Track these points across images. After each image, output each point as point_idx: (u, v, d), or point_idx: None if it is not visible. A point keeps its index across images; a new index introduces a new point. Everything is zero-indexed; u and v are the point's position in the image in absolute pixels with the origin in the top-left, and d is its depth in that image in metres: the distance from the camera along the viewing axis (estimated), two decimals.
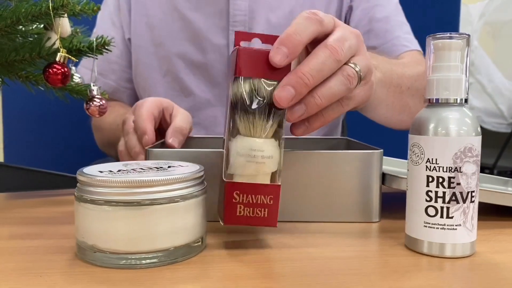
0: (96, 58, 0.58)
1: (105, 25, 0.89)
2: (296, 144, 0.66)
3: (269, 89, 0.39)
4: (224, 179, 0.39)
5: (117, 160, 0.85)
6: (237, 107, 0.39)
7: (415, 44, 0.85)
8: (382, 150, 0.50)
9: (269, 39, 0.42)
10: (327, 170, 0.49)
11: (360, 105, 0.51)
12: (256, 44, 0.43)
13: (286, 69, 0.40)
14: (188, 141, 0.67)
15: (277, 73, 0.40)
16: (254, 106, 0.39)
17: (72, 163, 0.95)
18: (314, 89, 0.42)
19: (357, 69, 0.44)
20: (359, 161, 0.49)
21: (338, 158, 0.49)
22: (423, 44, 1.17)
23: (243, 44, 0.42)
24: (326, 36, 0.43)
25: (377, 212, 0.50)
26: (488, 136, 3.08)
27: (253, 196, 0.39)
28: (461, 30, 2.79)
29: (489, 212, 0.52)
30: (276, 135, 0.40)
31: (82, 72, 0.87)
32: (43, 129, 1.09)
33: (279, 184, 0.40)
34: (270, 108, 0.39)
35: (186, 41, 0.83)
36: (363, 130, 1.01)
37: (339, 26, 0.45)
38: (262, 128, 0.39)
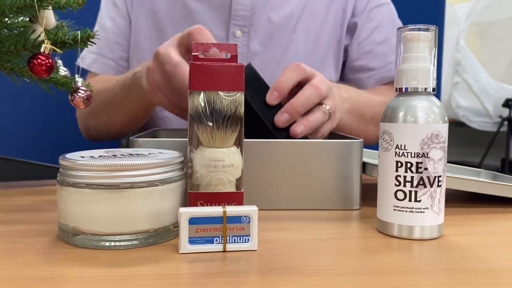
0: (82, 48, 0.59)
1: (107, 6, 0.90)
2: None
3: (227, 100, 0.41)
4: (188, 190, 0.41)
5: (106, 132, 0.86)
6: (196, 119, 0.41)
7: None
8: (362, 140, 0.52)
9: (226, 48, 0.43)
10: (309, 159, 0.51)
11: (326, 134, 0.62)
12: (214, 53, 0.44)
13: (240, 80, 0.41)
14: (174, 133, 0.69)
15: (231, 85, 0.41)
16: (211, 118, 0.40)
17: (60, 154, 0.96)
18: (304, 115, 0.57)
19: (327, 108, 0.59)
20: (339, 151, 0.51)
21: (320, 147, 0.51)
22: None
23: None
24: (307, 80, 0.58)
25: (357, 199, 0.52)
26: (474, 135, 3.14)
27: (217, 204, 0.40)
28: (448, 30, 2.83)
29: (459, 200, 0.55)
30: (237, 143, 0.42)
31: (88, 57, 0.88)
32: (31, 121, 1.10)
33: (242, 191, 0.42)
34: (228, 119, 0.41)
35: None
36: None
37: (317, 75, 0.59)
38: (222, 138, 0.41)
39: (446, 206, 0.42)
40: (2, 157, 0.64)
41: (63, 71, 0.62)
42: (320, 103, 0.58)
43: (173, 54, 0.59)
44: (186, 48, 0.61)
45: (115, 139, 0.87)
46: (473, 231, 0.44)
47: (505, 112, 2.89)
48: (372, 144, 0.77)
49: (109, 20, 0.89)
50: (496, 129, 2.93)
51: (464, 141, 3.30)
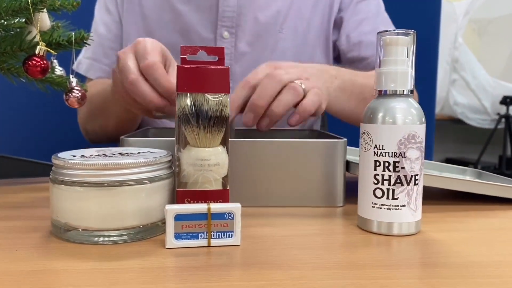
0: (76, 49, 0.61)
1: (100, 12, 0.92)
2: (270, 134, 0.69)
3: (213, 101, 0.42)
4: (176, 188, 0.43)
5: (103, 135, 0.88)
6: (183, 120, 0.43)
7: None
8: (346, 140, 0.54)
9: (214, 51, 0.45)
10: (294, 158, 0.52)
11: (318, 107, 0.61)
12: (202, 56, 0.46)
13: (225, 82, 0.43)
14: (165, 131, 0.71)
15: (217, 87, 0.43)
16: (197, 119, 0.42)
17: (55, 152, 0.98)
18: (271, 104, 0.58)
19: (299, 83, 0.59)
20: (324, 150, 0.53)
21: (305, 146, 0.53)
22: None
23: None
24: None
25: (341, 197, 0.53)
26: (471, 132, 3.15)
27: (203, 201, 0.42)
28: (446, 27, 2.84)
29: (442, 198, 0.56)
30: (223, 142, 0.44)
31: (83, 62, 0.90)
32: (26, 119, 1.11)
33: (228, 189, 0.44)
34: (214, 119, 0.43)
35: (175, 33, 0.86)
36: (342, 125, 1.04)
37: (280, 67, 0.61)
38: (208, 138, 0.43)
39: (428, 203, 0.44)
40: None
41: (59, 70, 0.64)
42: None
43: (131, 69, 0.58)
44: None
45: (113, 141, 0.88)
46: (450, 227, 0.46)
47: (503, 109, 2.91)
48: None
49: (102, 25, 0.91)
50: (493, 127, 2.95)
51: (462, 138, 3.32)
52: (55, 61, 0.63)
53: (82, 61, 0.90)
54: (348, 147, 0.56)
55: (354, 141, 0.81)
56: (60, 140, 1.09)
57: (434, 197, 0.57)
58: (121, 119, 0.80)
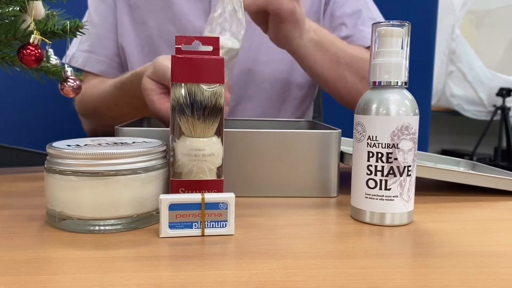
0: (71, 40, 0.61)
1: (94, 2, 0.91)
2: (264, 125, 0.69)
3: (208, 92, 0.42)
4: (170, 178, 0.43)
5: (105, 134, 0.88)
6: (177, 110, 0.43)
7: None
8: (340, 130, 0.54)
9: (209, 41, 0.45)
10: (289, 149, 0.53)
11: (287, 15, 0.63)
12: (197, 46, 0.46)
13: (220, 73, 0.43)
14: (158, 121, 0.71)
15: (211, 77, 0.43)
16: (192, 109, 0.42)
17: (51, 141, 0.98)
18: None
19: None
20: (318, 141, 0.53)
21: (299, 137, 0.53)
22: None
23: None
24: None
25: (335, 187, 0.54)
26: (468, 124, 3.16)
27: (198, 191, 0.43)
28: (443, 18, 2.83)
29: (436, 189, 0.57)
30: (217, 133, 0.44)
31: (79, 56, 0.89)
32: (23, 108, 1.11)
33: (222, 179, 0.44)
34: (209, 110, 0.43)
35: (168, 22, 0.85)
36: (338, 116, 1.05)
37: None
38: (202, 128, 0.43)
39: (422, 194, 0.44)
40: None
41: (54, 59, 0.63)
42: None
43: (151, 93, 0.62)
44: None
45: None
46: (442, 218, 0.47)
47: (499, 101, 2.92)
48: (353, 100, 0.77)
49: (97, 15, 0.90)
50: (489, 118, 2.96)
51: (458, 130, 3.33)
52: (50, 50, 0.63)
53: (77, 55, 0.89)
54: (342, 138, 0.56)
55: (349, 131, 0.81)
56: (54, 129, 1.09)
57: (428, 188, 0.57)
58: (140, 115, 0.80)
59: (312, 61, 0.72)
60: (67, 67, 0.61)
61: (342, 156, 0.55)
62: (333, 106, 1.05)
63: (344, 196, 0.53)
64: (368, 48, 0.87)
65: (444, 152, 3.17)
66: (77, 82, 0.60)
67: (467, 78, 3.06)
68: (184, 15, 0.84)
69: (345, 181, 0.54)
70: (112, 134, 0.54)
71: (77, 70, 0.89)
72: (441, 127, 3.20)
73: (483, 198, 0.54)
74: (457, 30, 3.01)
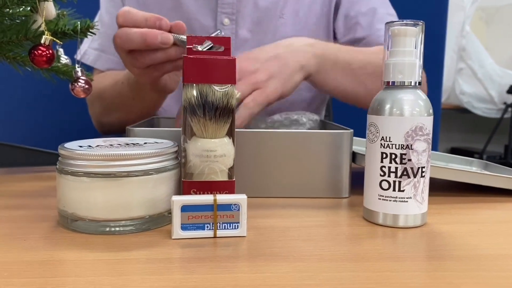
0: (82, 38, 0.61)
1: (105, 2, 0.91)
2: (275, 125, 0.69)
3: (219, 92, 0.42)
4: (182, 179, 0.43)
5: (120, 130, 0.88)
6: (189, 111, 0.42)
7: None
8: (352, 131, 0.54)
9: (220, 40, 0.45)
10: (301, 149, 0.52)
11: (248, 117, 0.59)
12: (209, 45, 0.45)
13: (232, 73, 0.43)
14: (169, 121, 0.71)
15: (223, 78, 0.42)
16: (204, 110, 0.42)
17: (62, 141, 0.98)
18: None
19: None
20: (330, 141, 0.53)
21: (311, 137, 0.52)
22: None
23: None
24: None
25: (347, 188, 0.53)
26: (478, 122, 3.14)
27: (209, 192, 0.42)
28: (453, 15, 2.80)
29: (448, 189, 0.56)
30: (229, 133, 0.44)
31: (90, 53, 0.89)
32: (36, 109, 1.12)
33: (234, 180, 0.43)
34: (220, 110, 0.42)
35: (177, 20, 0.85)
36: (348, 114, 1.04)
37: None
38: (214, 129, 0.42)
39: (434, 195, 0.43)
40: (5, 143, 0.66)
41: (64, 59, 0.63)
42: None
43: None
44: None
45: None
46: (456, 220, 0.46)
47: (510, 98, 2.88)
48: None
49: (107, 15, 0.90)
50: (500, 116, 2.93)
51: (468, 128, 3.30)
52: (60, 49, 0.63)
53: (88, 52, 0.89)
54: (354, 137, 0.56)
55: (359, 130, 0.81)
56: (64, 129, 1.09)
57: (440, 188, 0.57)
58: (146, 111, 0.80)
59: (324, 76, 0.69)
60: (78, 67, 0.61)
61: (354, 156, 0.54)
62: (343, 105, 1.04)
63: (356, 197, 0.53)
64: None
65: (454, 150, 3.14)
66: (88, 82, 0.60)
67: (477, 76, 3.03)
68: (193, 14, 0.84)
69: (356, 181, 0.53)
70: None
71: (87, 67, 0.89)
72: (450, 125, 3.18)
73: (496, 199, 0.53)
74: (467, 27, 2.98)
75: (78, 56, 0.75)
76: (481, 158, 2.80)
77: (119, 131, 0.91)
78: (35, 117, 1.12)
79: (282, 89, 0.62)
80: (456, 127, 3.25)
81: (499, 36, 3.21)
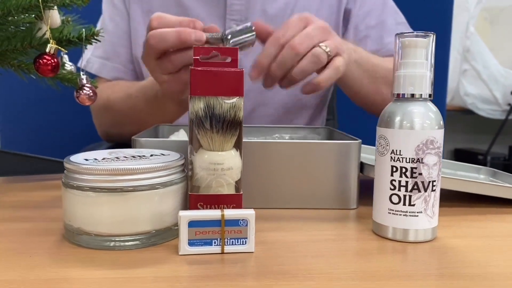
0: (86, 48, 0.60)
1: (108, 9, 0.91)
2: (280, 131, 0.69)
3: (227, 104, 0.41)
4: (189, 192, 0.42)
5: (127, 141, 0.87)
6: (196, 123, 0.42)
7: None
8: (360, 141, 0.53)
9: (227, 52, 0.44)
10: (308, 160, 0.51)
11: (332, 83, 0.63)
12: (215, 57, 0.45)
13: (239, 85, 0.42)
14: (173, 128, 0.70)
15: (231, 90, 0.42)
16: (211, 122, 0.41)
17: (68, 148, 0.98)
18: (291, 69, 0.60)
19: (324, 48, 0.59)
20: (337, 151, 0.52)
21: (318, 148, 0.52)
22: (418, 28, 1.18)
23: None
24: None
25: (354, 199, 0.53)
26: (482, 123, 3.12)
27: (216, 206, 0.42)
28: (457, 16, 2.79)
29: (457, 199, 0.55)
30: (236, 146, 0.43)
31: (94, 61, 0.89)
32: (39, 115, 1.12)
33: (241, 193, 0.43)
34: (228, 123, 0.42)
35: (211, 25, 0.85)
36: (352, 118, 1.03)
37: (309, 24, 0.61)
38: (221, 142, 0.42)
39: (442, 205, 0.43)
40: (8, 151, 0.66)
41: (69, 65, 0.63)
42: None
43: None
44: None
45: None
46: (466, 233, 0.45)
47: None
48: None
49: (111, 22, 0.89)
50: (504, 117, 2.91)
51: (472, 129, 3.28)
52: (65, 56, 0.63)
53: (92, 60, 0.89)
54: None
55: (363, 134, 0.80)
56: (69, 136, 1.09)
57: (449, 198, 0.56)
58: (160, 122, 0.79)
59: (353, 80, 0.72)
60: (83, 74, 0.61)
61: (362, 166, 0.54)
62: (347, 109, 1.04)
63: (364, 208, 0.52)
64: None
65: (458, 151, 3.13)
66: (93, 90, 0.60)
67: (482, 77, 3.01)
68: (200, 20, 0.83)
69: (364, 191, 0.53)
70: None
71: (91, 75, 0.88)
72: (455, 126, 3.16)
73: (506, 210, 0.53)
74: (472, 28, 2.97)
75: (81, 64, 0.75)
76: (485, 159, 2.79)
77: (127, 141, 0.90)
78: (37, 124, 1.11)
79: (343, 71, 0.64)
80: (460, 128, 3.23)
81: (504, 37, 3.20)
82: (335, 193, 0.52)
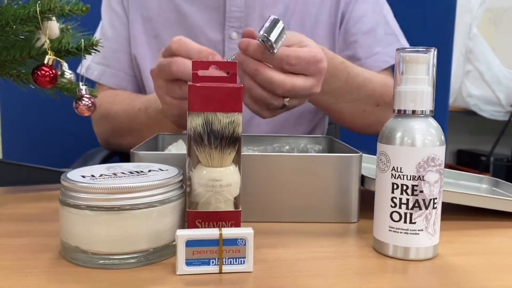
0: (85, 58, 0.60)
1: (107, 15, 0.90)
2: (280, 140, 0.68)
3: (225, 121, 0.41)
4: (187, 209, 0.42)
5: (127, 150, 0.87)
6: (194, 139, 0.41)
7: (393, 58, 0.87)
8: (361, 154, 0.52)
9: (226, 66, 0.43)
10: (308, 173, 0.51)
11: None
12: (214, 71, 0.44)
13: (238, 101, 0.41)
14: (173, 138, 0.69)
15: (229, 106, 0.41)
16: (209, 138, 0.41)
17: (69, 153, 0.98)
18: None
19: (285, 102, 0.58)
20: (338, 164, 0.51)
21: (318, 161, 0.51)
22: (420, 33, 1.17)
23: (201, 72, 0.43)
24: None
25: (355, 213, 0.52)
26: (485, 124, 3.11)
27: (215, 223, 0.41)
28: (460, 17, 2.78)
29: (457, 211, 0.55)
30: (235, 161, 0.43)
31: (94, 68, 0.88)
32: (41, 125, 1.11)
33: (240, 209, 0.42)
34: (226, 139, 0.41)
35: (182, 34, 0.84)
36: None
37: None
38: (220, 158, 0.41)
39: (443, 218, 0.42)
40: (6, 161, 0.66)
41: (68, 74, 0.62)
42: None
43: (159, 95, 0.63)
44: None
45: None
46: (468, 250, 0.45)
47: None
48: (368, 125, 0.80)
49: (110, 28, 0.89)
50: (507, 119, 2.89)
51: (475, 130, 3.27)
52: (65, 64, 0.62)
53: (92, 66, 0.88)
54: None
55: (366, 139, 0.79)
56: (69, 141, 1.09)
57: (450, 210, 0.55)
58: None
59: (332, 100, 0.73)
60: (82, 85, 0.60)
61: (363, 179, 0.53)
62: None
63: (365, 221, 0.52)
64: (384, 70, 0.85)
65: (461, 152, 3.12)
66: (92, 100, 0.60)
67: (485, 78, 3.00)
68: (199, 27, 0.83)
69: (365, 203, 0.52)
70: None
71: (92, 83, 0.88)
72: (457, 127, 3.15)
73: (508, 224, 0.52)
74: (475, 29, 2.95)
75: (81, 71, 0.74)
76: (488, 160, 2.78)
77: (126, 151, 0.90)
78: (35, 133, 1.11)
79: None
80: (463, 129, 3.22)
81: (507, 38, 3.18)
82: (335, 207, 0.52)
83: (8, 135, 1.12)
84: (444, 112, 1.30)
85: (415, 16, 1.33)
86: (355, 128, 0.83)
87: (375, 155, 0.44)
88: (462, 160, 3.09)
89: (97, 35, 0.91)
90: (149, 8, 0.86)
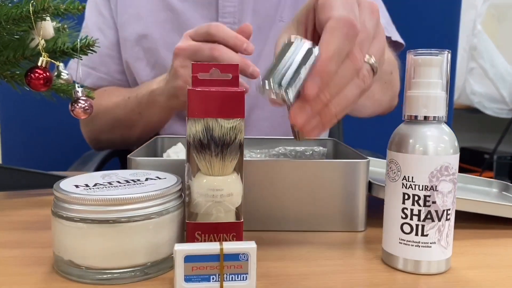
0: (81, 59, 0.58)
1: (93, 17, 0.87)
2: (283, 143, 0.66)
3: (227, 127, 0.39)
4: (186, 220, 0.40)
5: (120, 147, 0.85)
6: (194, 146, 0.39)
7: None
8: (368, 160, 0.50)
9: (227, 68, 0.41)
10: (313, 180, 0.49)
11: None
12: (215, 74, 0.41)
13: (240, 106, 0.39)
14: (172, 140, 0.67)
15: (231, 111, 0.39)
16: (209, 146, 0.39)
17: (67, 156, 0.96)
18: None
19: (371, 62, 0.38)
20: (344, 171, 0.49)
21: (324, 167, 0.49)
22: (424, 30, 1.14)
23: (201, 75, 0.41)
24: None
25: (362, 221, 0.50)
26: (488, 122, 3.09)
27: (215, 235, 0.39)
28: (464, 14, 2.75)
29: (469, 218, 0.52)
30: (237, 169, 0.40)
31: (83, 71, 0.86)
32: (40, 125, 1.10)
33: (242, 220, 0.40)
34: (227, 146, 0.39)
35: (173, 32, 0.82)
36: (357, 121, 1.00)
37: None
38: (220, 166, 0.39)
39: (456, 227, 0.40)
40: (2, 166, 0.64)
41: (65, 74, 0.60)
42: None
43: (181, 73, 0.63)
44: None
45: (130, 148, 0.85)
46: (482, 263, 0.43)
47: None
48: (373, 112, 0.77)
49: (97, 31, 0.86)
50: (511, 116, 2.87)
51: (479, 128, 3.24)
52: (61, 64, 0.60)
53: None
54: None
55: (369, 137, 0.76)
56: (67, 143, 1.07)
57: (461, 217, 0.53)
58: (150, 128, 0.78)
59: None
60: (78, 87, 0.58)
61: (370, 186, 0.51)
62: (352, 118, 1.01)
63: (373, 230, 0.49)
64: None
65: (464, 150, 3.09)
66: (88, 103, 0.57)
67: (489, 75, 2.97)
68: (192, 24, 0.81)
69: (373, 210, 0.50)
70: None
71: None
72: (461, 124, 3.12)
73: None
74: (479, 26, 2.92)
75: (77, 72, 0.72)
76: (491, 158, 2.75)
77: (120, 147, 0.88)
78: (43, 138, 1.09)
79: None
80: (467, 127, 3.19)
81: (511, 34, 3.15)
82: (342, 215, 0.49)
83: (7, 136, 1.10)
84: (449, 109, 1.28)
85: (420, 13, 1.31)
86: (359, 115, 0.80)
87: (378, 153, 0.41)
88: (465, 158, 3.07)
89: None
90: (139, 6, 0.83)
